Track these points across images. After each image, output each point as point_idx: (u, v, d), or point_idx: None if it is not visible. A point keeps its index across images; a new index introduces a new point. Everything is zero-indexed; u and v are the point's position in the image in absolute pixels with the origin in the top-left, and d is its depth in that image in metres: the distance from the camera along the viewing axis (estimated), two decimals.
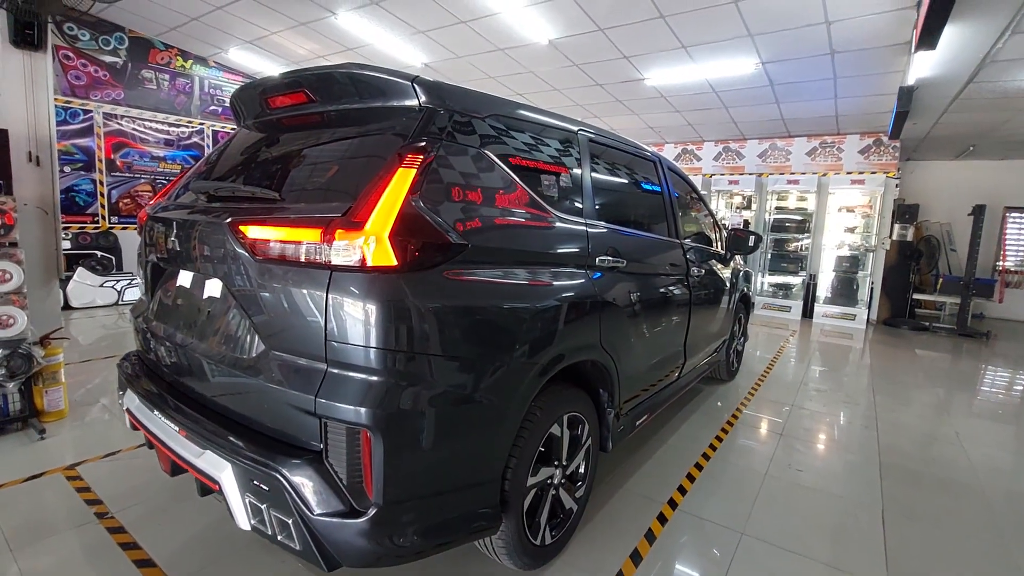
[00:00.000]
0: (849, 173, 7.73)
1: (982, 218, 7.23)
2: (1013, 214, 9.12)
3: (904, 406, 4.08)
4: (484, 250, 1.51)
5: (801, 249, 8.30)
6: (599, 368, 2.10)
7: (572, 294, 1.83)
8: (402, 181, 1.35)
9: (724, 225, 3.97)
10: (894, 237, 7.85)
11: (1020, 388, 4.94)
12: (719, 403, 3.85)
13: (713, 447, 3.08)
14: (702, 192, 3.88)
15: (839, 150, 7.89)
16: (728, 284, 3.73)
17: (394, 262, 1.30)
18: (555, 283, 1.76)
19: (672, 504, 2.43)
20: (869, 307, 7.74)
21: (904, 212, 8.01)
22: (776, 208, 8.45)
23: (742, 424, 3.47)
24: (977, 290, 7.41)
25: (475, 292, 1.46)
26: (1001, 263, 9.27)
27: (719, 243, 3.76)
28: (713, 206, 8.74)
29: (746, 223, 8.31)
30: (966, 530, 2.34)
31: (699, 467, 2.81)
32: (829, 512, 2.44)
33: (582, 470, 2.12)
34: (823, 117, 7.18)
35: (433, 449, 1.39)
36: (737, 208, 8.98)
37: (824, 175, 7.96)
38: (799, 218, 8.26)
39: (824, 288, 8.05)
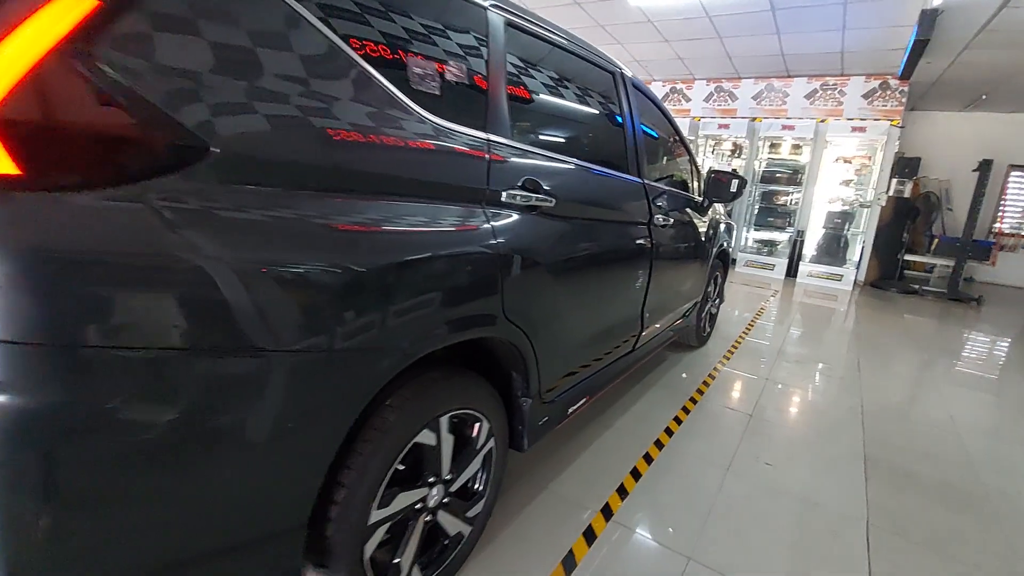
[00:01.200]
0: (850, 119, 7.04)
1: (988, 174, 6.65)
2: (1017, 173, 8.55)
3: (893, 384, 3.61)
4: (258, 163, 0.87)
5: (791, 203, 7.70)
6: (506, 346, 1.53)
7: (450, 243, 1.21)
8: (56, 16, 0.70)
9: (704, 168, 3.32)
10: (890, 193, 7.27)
11: (1019, 363, 4.52)
12: (684, 375, 3.34)
13: (670, 431, 2.58)
14: (685, 135, 3.23)
15: (841, 93, 7.15)
16: (703, 238, 3.14)
17: (15, 170, 0.67)
18: (413, 225, 1.13)
19: (607, 512, 1.92)
20: (859, 267, 7.25)
21: (904, 166, 7.40)
22: (768, 157, 7.77)
23: (707, 401, 2.97)
24: (974, 252, 6.93)
25: (230, 235, 0.83)
26: (998, 225, 8.79)
27: (696, 188, 3.13)
28: (700, 155, 8.04)
29: (734, 171, 7.65)
30: (972, 558, 1.87)
31: (648, 459, 2.31)
32: (801, 526, 1.95)
33: (480, 483, 1.57)
34: (827, 54, 6.41)
35: (123, 508, 0.79)
36: (727, 157, 8.29)
37: (823, 121, 7.26)
38: (791, 169, 7.62)
39: (812, 246, 7.52)
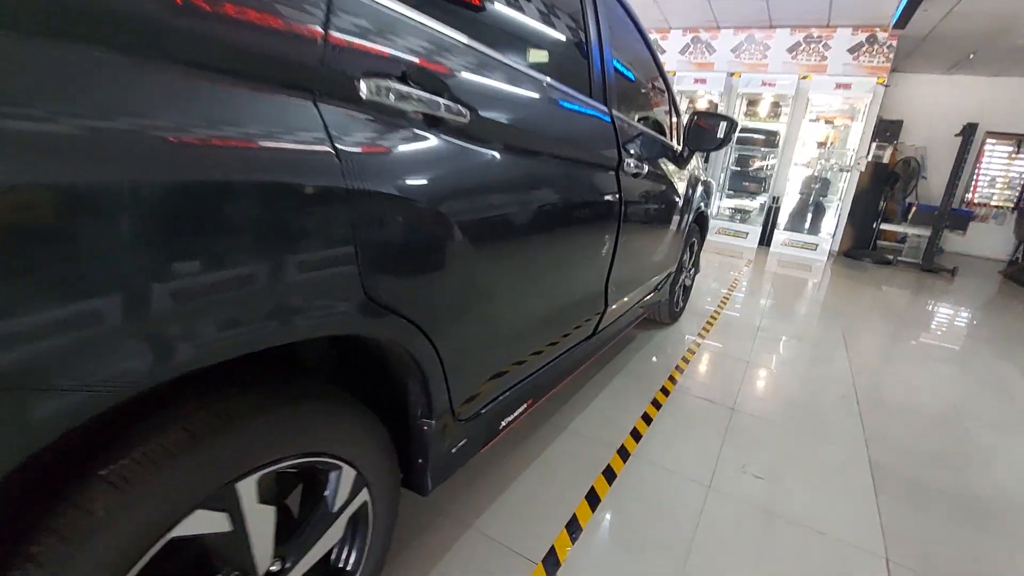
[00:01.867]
0: (833, 75, 6.55)
1: (972, 139, 6.31)
2: (993, 140, 8.31)
3: (884, 366, 3.21)
4: None
5: (767, 167, 7.25)
6: (387, 347, 0.96)
7: (212, 162, 0.60)
8: None
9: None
10: (869, 158, 6.89)
11: (1013, 341, 4.21)
12: (654, 358, 2.85)
13: (637, 434, 2.07)
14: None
15: (825, 47, 6.64)
16: (681, 196, 2.59)
17: None
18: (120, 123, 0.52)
19: (551, 563, 1.41)
20: (835, 236, 6.91)
21: (885, 129, 7.01)
22: (744, 114, 7.26)
23: (682, 392, 2.48)
24: (952, 222, 6.66)
25: None
26: (971, 194, 8.59)
27: (674, 134, 2.57)
28: None
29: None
30: None
31: (610, 475, 1.80)
32: (806, 567, 1.49)
33: (348, 558, 1.02)
34: (814, 2, 5.85)
35: None
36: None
37: (805, 78, 6.75)
38: (770, 129, 7.13)
39: (787, 213, 7.12)
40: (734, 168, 7.41)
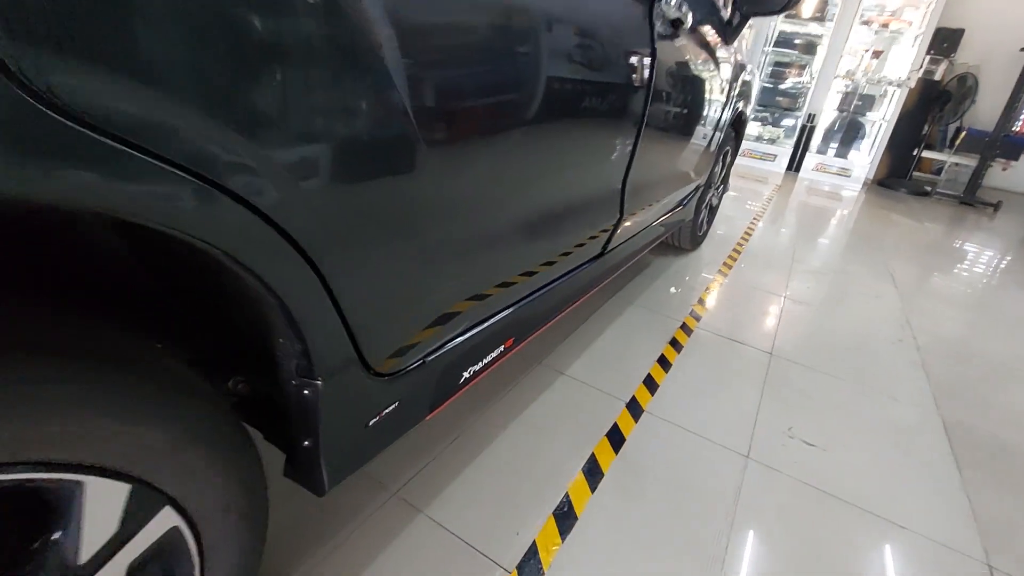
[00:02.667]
0: None
1: None
2: None
3: (941, 305, 2.72)
4: None
5: (804, 81, 6.43)
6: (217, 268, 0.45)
7: None
8: None
9: None
10: (920, 73, 6.06)
11: None
12: (672, 289, 2.36)
13: (652, 384, 1.62)
14: None
15: None
16: (724, 85, 2.00)
17: None
18: None
19: (531, 570, 0.98)
20: (872, 162, 6.22)
21: (943, 39, 6.13)
22: (784, 17, 6.34)
23: (706, 331, 2.01)
24: (1004, 150, 5.94)
25: None
26: (1020, 122, 7.74)
27: None
28: None
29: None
30: None
31: (616, 439, 1.36)
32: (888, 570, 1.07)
33: None
34: None
35: None
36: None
37: None
38: (812, 33, 6.24)
39: (822, 135, 6.37)
40: (767, 82, 6.57)
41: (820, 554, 1.10)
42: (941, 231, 4.56)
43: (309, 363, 0.59)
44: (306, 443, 0.67)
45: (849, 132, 6.40)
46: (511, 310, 1.07)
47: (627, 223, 1.49)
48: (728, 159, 2.78)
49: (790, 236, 3.57)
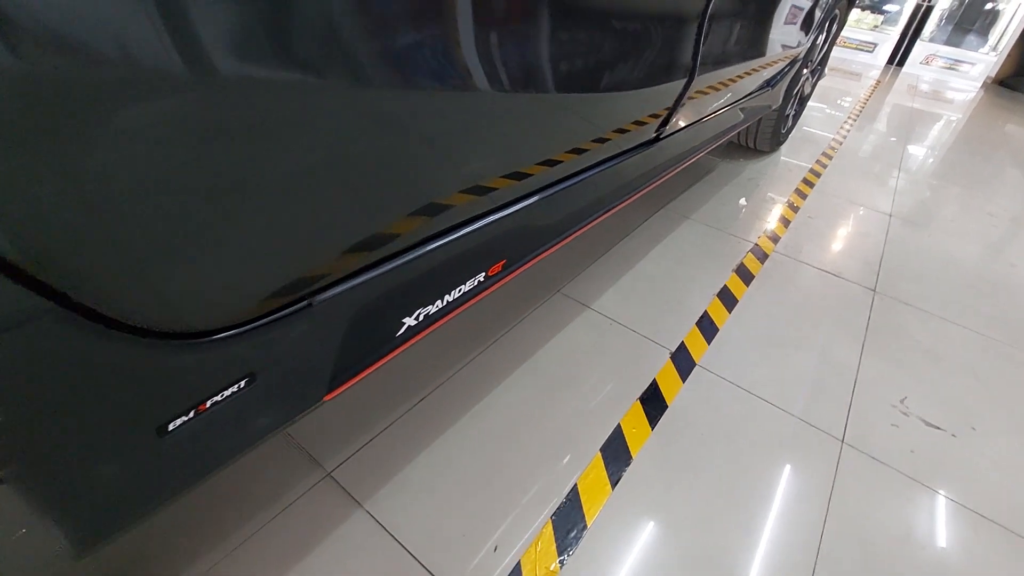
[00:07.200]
0: None
1: None
2: None
3: None
4: None
5: None
6: None
7: None
8: None
9: None
10: None
11: None
12: (742, 200, 1.84)
13: (710, 327, 1.20)
14: None
15: None
16: None
17: None
18: None
19: None
20: (999, 55, 5.09)
21: None
22: None
23: (786, 259, 1.52)
24: None
25: None
26: None
27: None
28: None
29: None
30: None
31: (655, 406, 0.97)
32: None
33: None
34: None
35: None
36: None
37: None
38: None
39: (938, 19, 5.21)
40: None
41: None
42: None
43: None
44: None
45: (972, 16, 5.21)
46: (503, 213, 0.65)
47: (691, 100, 0.99)
48: (835, 28, 2.10)
49: (895, 142, 2.87)
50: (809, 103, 3.09)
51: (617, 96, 0.75)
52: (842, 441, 0.95)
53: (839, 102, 3.56)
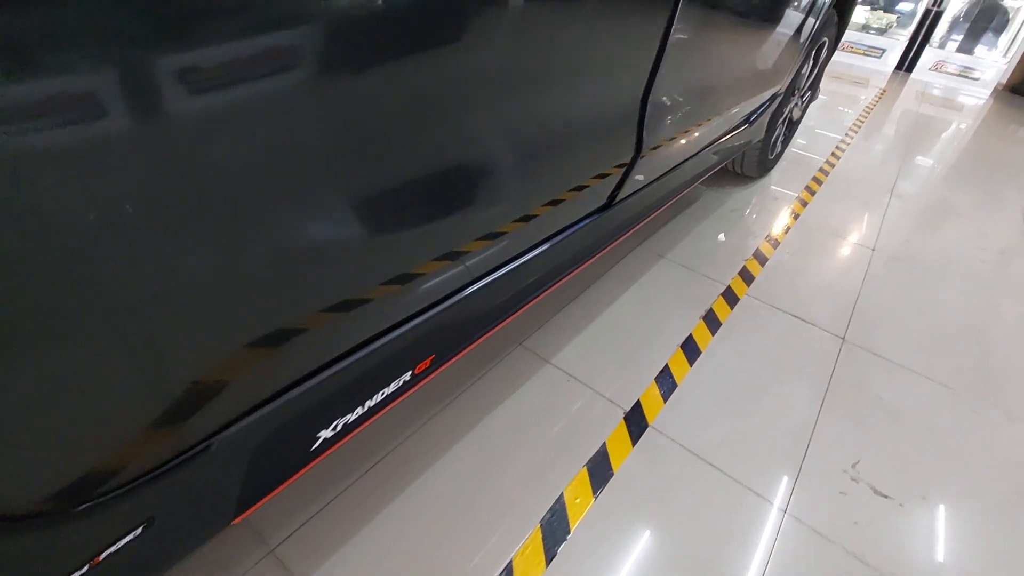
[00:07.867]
0: None
1: None
2: None
3: None
4: None
5: None
6: None
7: None
8: None
9: None
10: None
11: None
12: (720, 236, 1.84)
13: (669, 382, 1.21)
14: None
15: None
16: None
17: None
18: None
19: None
20: (1009, 62, 4.99)
21: None
22: None
23: (754, 301, 1.52)
24: None
25: None
26: None
27: None
28: None
29: None
30: None
31: (600, 477, 0.98)
32: None
33: None
34: None
35: None
36: None
37: None
38: None
39: (948, 24, 5.11)
40: None
41: None
42: None
43: None
44: None
45: (984, 21, 5.10)
46: (430, 313, 0.66)
47: (646, 156, 1.00)
48: (824, 54, 2.08)
49: (893, 161, 2.84)
50: (808, 117, 3.06)
51: (552, 168, 0.76)
52: (785, 511, 0.96)
53: (841, 113, 3.52)
